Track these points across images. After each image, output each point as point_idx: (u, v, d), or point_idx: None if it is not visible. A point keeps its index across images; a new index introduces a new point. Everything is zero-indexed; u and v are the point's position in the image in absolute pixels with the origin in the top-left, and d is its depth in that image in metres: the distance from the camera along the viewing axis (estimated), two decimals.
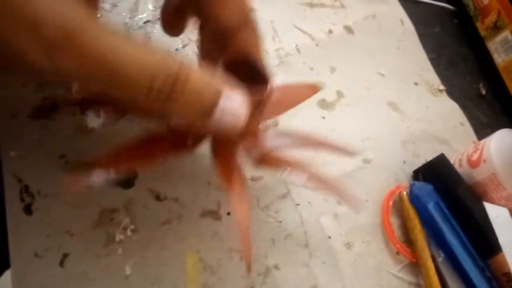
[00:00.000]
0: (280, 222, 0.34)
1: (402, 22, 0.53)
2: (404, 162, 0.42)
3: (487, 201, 0.38)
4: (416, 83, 0.49)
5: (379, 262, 0.36)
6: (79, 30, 0.17)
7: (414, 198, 0.37)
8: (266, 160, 0.29)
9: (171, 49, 0.37)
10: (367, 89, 0.45)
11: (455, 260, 0.35)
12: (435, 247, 0.36)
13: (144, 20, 0.38)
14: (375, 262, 0.35)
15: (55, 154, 0.29)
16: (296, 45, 0.43)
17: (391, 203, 0.38)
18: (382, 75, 0.47)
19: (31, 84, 0.30)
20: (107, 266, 0.28)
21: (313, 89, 0.35)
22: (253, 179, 0.34)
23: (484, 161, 0.38)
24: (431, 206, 0.36)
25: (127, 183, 0.30)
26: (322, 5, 0.48)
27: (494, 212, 0.37)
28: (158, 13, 0.38)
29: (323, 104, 0.41)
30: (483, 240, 0.36)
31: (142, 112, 0.28)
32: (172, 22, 0.29)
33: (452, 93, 0.50)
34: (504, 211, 0.38)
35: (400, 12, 0.54)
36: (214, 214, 0.32)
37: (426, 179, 0.40)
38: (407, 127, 0.44)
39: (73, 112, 0.31)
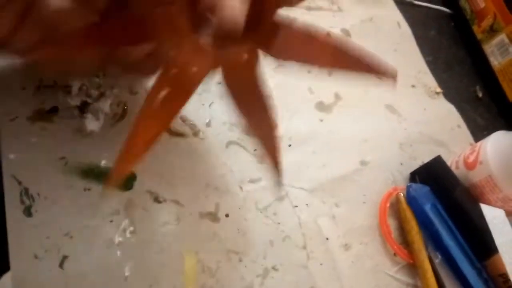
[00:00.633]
0: (278, 223, 0.34)
1: (399, 25, 0.54)
2: (401, 164, 0.42)
3: (483, 202, 0.38)
4: (413, 86, 0.49)
5: (377, 263, 0.36)
6: None
7: (411, 200, 0.38)
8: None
9: None
10: (365, 91, 0.45)
11: (452, 261, 0.35)
12: (432, 248, 0.36)
13: None
14: (372, 263, 0.36)
15: (54, 157, 0.30)
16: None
17: (388, 204, 0.38)
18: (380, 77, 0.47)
19: (31, 87, 0.31)
20: (106, 268, 0.28)
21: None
22: (251, 181, 0.35)
23: (481, 163, 0.39)
24: (428, 208, 0.37)
25: (126, 185, 0.30)
26: (320, 8, 0.49)
27: (491, 213, 0.37)
28: None
29: (321, 107, 0.41)
30: (480, 242, 0.36)
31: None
32: None
33: (449, 96, 0.51)
34: (500, 212, 0.38)
35: (397, 15, 0.54)
36: (213, 216, 0.32)
37: (423, 181, 0.40)
38: (405, 129, 0.45)
39: (72, 115, 0.31)
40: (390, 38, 0.52)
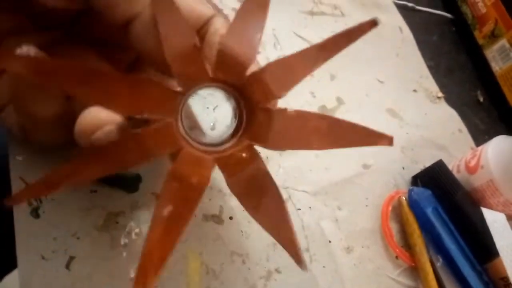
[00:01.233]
0: None
1: (401, 30, 0.54)
2: (403, 168, 0.42)
3: (484, 206, 0.39)
4: (414, 90, 0.49)
5: (379, 266, 0.36)
6: None
7: (413, 203, 0.38)
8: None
9: None
10: (367, 96, 0.45)
11: (454, 265, 0.36)
12: (433, 251, 0.37)
13: None
14: (374, 266, 0.36)
15: (62, 159, 0.30)
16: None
17: (390, 208, 0.39)
18: (381, 82, 0.48)
19: None
20: (112, 269, 0.28)
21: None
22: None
23: (482, 167, 0.39)
24: (429, 211, 0.37)
25: (132, 187, 0.31)
26: (323, 13, 0.49)
27: (492, 217, 0.38)
28: None
29: (324, 111, 0.42)
30: (481, 245, 0.36)
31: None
32: None
33: (450, 100, 0.51)
34: (502, 216, 0.38)
35: (398, 20, 0.55)
36: (217, 218, 0.32)
37: (424, 185, 0.40)
38: (406, 134, 0.45)
39: None
40: (392, 43, 0.52)
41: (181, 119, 0.23)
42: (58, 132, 0.24)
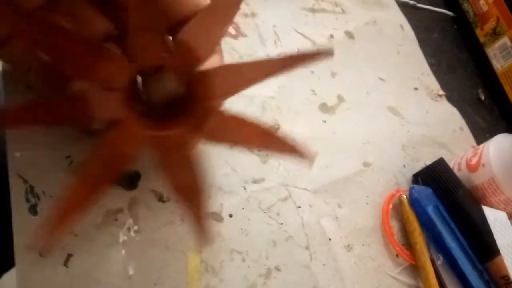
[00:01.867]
0: (281, 224, 0.34)
1: (402, 27, 0.54)
2: (404, 166, 0.42)
3: (485, 204, 0.39)
4: (416, 88, 0.49)
5: (379, 264, 0.36)
6: None
7: (413, 202, 0.38)
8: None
9: None
10: (367, 93, 0.45)
11: (454, 263, 0.36)
12: (434, 250, 0.36)
13: None
14: (375, 264, 0.36)
15: (60, 155, 0.30)
16: (298, 50, 0.44)
17: (391, 206, 0.38)
18: (382, 79, 0.47)
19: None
20: (110, 266, 0.28)
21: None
22: (255, 181, 0.35)
23: (483, 165, 0.39)
24: (430, 210, 0.37)
25: (130, 184, 0.31)
26: (324, 10, 0.49)
27: (493, 215, 0.37)
28: None
29: (324, 108, 0.42)
30: (482, 243, 0.36)
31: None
32: None
33: (451, 98, 0.51)
34: (503, 214, 0.38)
35: (400, 18, 0.55)
36: (216, 216, 0.32)
37: (425, 183, 0.40)
38: (407, 131, 0.45)
39: None
40: (393, 40, 0.52)
41: (130, 94, 0.25)
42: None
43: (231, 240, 0.32)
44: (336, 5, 0.50)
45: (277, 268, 0.32)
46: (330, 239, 0.35)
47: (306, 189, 0.36)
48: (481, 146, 0.41)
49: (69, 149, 0.30)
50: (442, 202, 0.38)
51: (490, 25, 0.56)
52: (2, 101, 0.30)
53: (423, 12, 0.59)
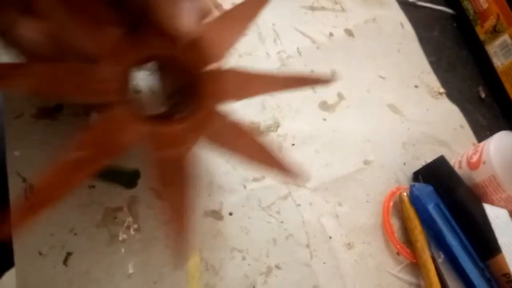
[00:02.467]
0: (282, 222, 0.34)
1: (402, 25, 0.54)
2: (405, 163, 0.42)
3: (486, 202, 0.38)
4: (416, 86, 0.49)
5: (380, 262, 0.36)
6: None
7: (414, 199, 0.38)
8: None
9: None
10: (368, 91, 0.45)
11: (455, 261, 0.35)
12: (435, 247, 0.36)
13: None
14: (375, 262, 0.36)
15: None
16: (297, 48, 0.44)
17: (391, 204, 0.38)
18: (383, 77, 0.47)
19: None
20: (110, 265, 0.28)
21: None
22: (255, 179, 0.35)
23: (484, 163, 0.39)
24: (431, 207, 0.37)
25: (130, 183, 0.31)
26: (323, 8, 0.49)
27: (494, 213, 0.37)
28: None
29: (324, 106, 0.42)
30: (483, 241, 0.36)
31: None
32: None
33: (452, 96, 0.51)
34: (504, 212, 0.38)
35: (400, 16, 0.55)
36: (216, 214, 0.32)
37: (426, 181, 0.40)
38: (408, 129, 0.45)
39: (77, 113, 0.31)
40: (393, 38, 0.52)
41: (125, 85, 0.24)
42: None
43: (231, 239, 0.32)
44: (336, 3, 0.50)
45: (278, 266, 0.32)
46: (330, 237, 0.35)
47: (306, 187, 0.36)
48: (482, 143, 0.41)
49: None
50: (442, 200, 0.38)
51: (490, 23, 0.55)
52: (0, 99, 0.30)
53: (423, 10, 0.58)
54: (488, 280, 0.35)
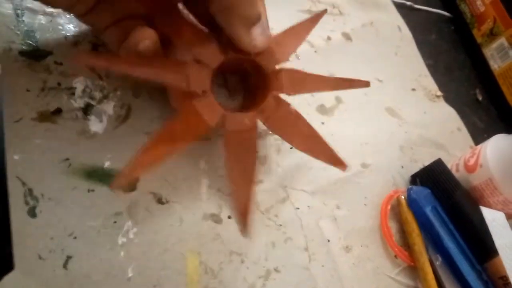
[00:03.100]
0: (280, 225, 0.34)
1: (399, 29, 0.54)
2: (402, 166, 0.42)
3: (483, 205, 0.39)
4: (413, 89, 0.49)
5: (378, 265, 0.36)
6: None
7: (412, 202, 0.38)
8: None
9: None
10: (365, 95, 0.45)
11: (453, 264, 0.36)
12: (432, 250, 0.36)
13: None
14: (373, 265, 0.36)
15: (58, 158, 0.30)
16: (295, 52, 0.44)
17: (389, 207, 0.39)
18: (380, 81, 0.47)
19: (35, 89, 0.31)
20: (109, 269, 0.28)
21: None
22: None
23: (481, 166, 0.39)
24: (428, 210, 0.37)
25: (129, 186, 0.31)
26: None
27: (491, 216, 0.37)
28: None
29: (322, 110, 0.42)
30: (480, 244, 0.36)
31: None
32: None
33: (449, 99, 0.51)
34: (501, 215, 0.38)
35: (397, 19, 0.55)
36: (215, 217, 0.32)
37: (423, 184, 0.40)
38: (405, 132, 0.45)
39: (76, 117, 0.31)
40: (391, 41, 0.52)
41: (216, 75, 0.31)
42: None
43: (230, 242, 0.32)
44: (334, 7, 0.51)
45: (276, 270, 0.32)
46: (328, 241, 0.35)
47: (304, 191, 0.36)
48: (479, 146, 0.41)
49: (68, 152, 0.30)
50: (440, 203, 0.38)
51: (487, 26, 0.56)
52: (0, 103, 0.30)
53: (420, 13, 0.59)
54: (485, 283, 0.35)
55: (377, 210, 0.38)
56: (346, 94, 0.44)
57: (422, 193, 0.38)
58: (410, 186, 0.39)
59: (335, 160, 0.33)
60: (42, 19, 0.33)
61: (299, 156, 0.38)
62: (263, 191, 0.35)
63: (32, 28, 0.33)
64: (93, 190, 0.30)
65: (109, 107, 0.33)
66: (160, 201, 0.31)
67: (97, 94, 0.33)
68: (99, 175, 0.30)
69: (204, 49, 0.30)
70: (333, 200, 0.37)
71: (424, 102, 0.49)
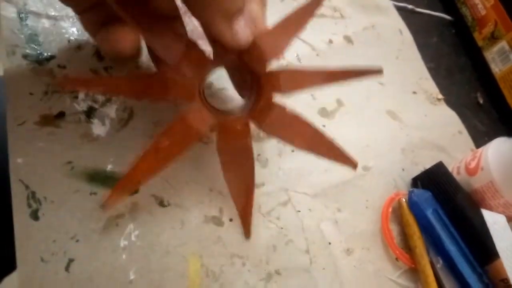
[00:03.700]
0: (281, 228, 0.34)
1: (400, 32, 0.54)
2: (403, 169, 0.42)
3: (485, 208, 0.39)
4: (414, 92, 0.49)
5: (379, 268, 0.36)
6: None
7: (413, 205, 0.38)
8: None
9: None
10: (367, 98, 0.45)
11: (454, 266, 0.36)
12: (433, 253, 0.37)
13: None
14: (374, 268, 0.36)
15: (61, 161, 0.30)
16: (297, 55, 0.44)
17: (390, 210, 0.39)
18: (381, 84, 0.48)
19: (38, 93, 0.31)
20: (111, 271, 0.28)
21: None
22: (255, 186, 0.35)
23: (482, 169, 0.39)
24: (429, 213, 0.37)
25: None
26: (322, 15, 0.49)
27: (492, 219, 0.38)
28: None
29: (324, 113, 0.42)
30: (481, 247, 0.36)
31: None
32: None
33: (450, 102, 0.51)
34: (502, 218, 0.38)
35: (398, 23, 0.55)
36: (217, 220, 0.32)
37: (424, 187, 0.40)
38: (406, 135, 0.45)
39: (79, 120, 0.32)
40: (392, 45, 0.52)
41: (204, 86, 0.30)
42: None
43: (232, 245, 0.32)
44: (335, 10, 0.51)
45: (278, 272, 0.33)
46: (330, 243, 0.35)
47: (306, 193, 0.37)
48: (480, 149, 0.41)
49: (70, 155, 0.30)
50: (441, 206, 0.38)
51: (488, 29, 0.56)
52: (4, 107, 0.30)
53: (421, 16, 0.59)
54: (486, 286, 0.35)
55: (378, 213, 0.39)
56: (347, 97, 0.44)
57: (423, 196, 0.38)
58: (411, 189, 0.39)
59: (344, 159, 0.31)
60: (45, 23, 0.34)
61: (300, 159, 0.38)
62: (265, 194, 0.35)
63: (36, 32, 0.33)
64: (95, 193, 0.30)
65: (111, 111, 0.33)
66: (161, 203, 0.31)
67: (100, 98, 0.33)
68: (101, 178, 0.30)
69: (187, 61, 0.28)
70: (334, 203, 0.37)
71: (425, 105, 0.49)
